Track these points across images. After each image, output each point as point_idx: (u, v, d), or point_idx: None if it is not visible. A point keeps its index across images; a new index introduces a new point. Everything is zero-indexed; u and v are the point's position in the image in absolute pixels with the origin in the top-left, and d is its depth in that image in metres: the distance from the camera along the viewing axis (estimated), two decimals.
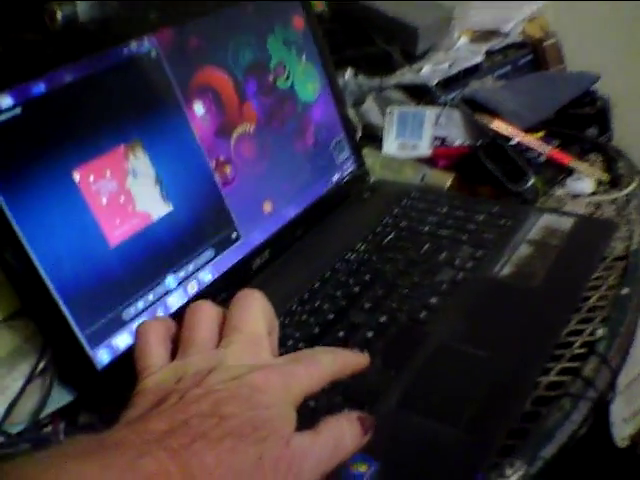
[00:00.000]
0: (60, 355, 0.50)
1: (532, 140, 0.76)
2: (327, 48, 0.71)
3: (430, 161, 0.78)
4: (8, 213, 0.44)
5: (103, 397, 0.49)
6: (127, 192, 0.51)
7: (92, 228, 0.49)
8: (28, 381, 0.47)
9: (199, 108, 0.57)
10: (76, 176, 0.48)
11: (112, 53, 0.51)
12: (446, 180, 0.74)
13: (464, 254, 0.60)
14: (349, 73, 0.86)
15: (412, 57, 0.86)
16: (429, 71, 0.84)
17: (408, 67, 0.85)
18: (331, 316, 0.54)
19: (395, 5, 0.87)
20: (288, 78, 0.67)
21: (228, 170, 0.60)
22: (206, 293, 0.57)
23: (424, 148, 0.79)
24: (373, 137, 0.82)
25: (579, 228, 0.63)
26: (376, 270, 0.59)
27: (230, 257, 0.60)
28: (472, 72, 0.86)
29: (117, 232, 0.50)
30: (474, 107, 0.78)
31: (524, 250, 0.60)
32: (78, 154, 0.48)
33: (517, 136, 0.75)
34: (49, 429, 0.47)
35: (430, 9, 0.86)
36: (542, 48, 0.95)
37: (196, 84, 0.57)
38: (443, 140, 0.80)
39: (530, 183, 0.70)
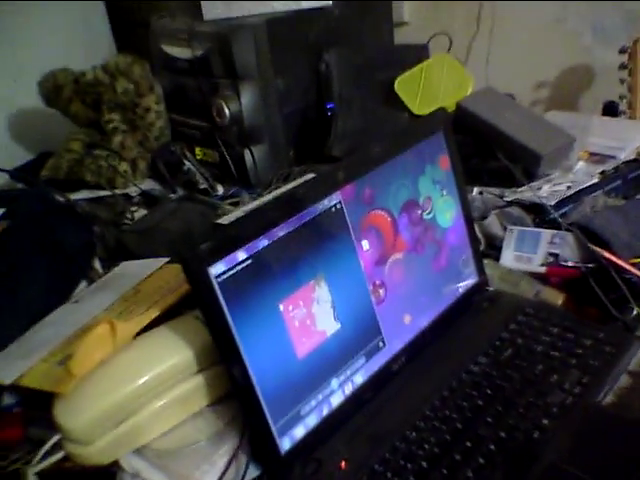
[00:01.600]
0: (254, 439, 0.65)
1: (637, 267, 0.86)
2: (464, 181, 0.84)
3: (543, 277, 0.89)
4: (236, 335, 0.59)
5: (283, 475, 0.64)
6: (312, 315, 0.66)
7: (287, 345, 0.64)
8: (232, 458, 0.63)
9: (366, 244, 0.72)
10: (280, 306, 0.63)
11: (310, 210, 0.66)
12: (558, 299, 0.85)
13: (572, 378, 0.71)
14: (475, 191, 0.99)
15: (533, 176, 0.98)
16: (548, 192, 0.95)
17: (528, 186, 0.97)
18: (459, 425, 0.67)
19: (519, 128, 0.99)
20: (432, 210, 0.81)
21: (381, 292, 0.74)
22: (357, 393, 0.71)
23: (537, 263, 0.91)
24: (492, 246, 0.95)
25: None
26: (496, 386, 0.71)
27: (376, 362, 0.73)
28: (586, 191, 0.97)
29: (303, 347, 0.65)
30: (588, 233, 0.89)
31: (624, 380, 0.71)
32: (283, 289, 0.63)
33: (626, 265, 0.85)
34: None
35: (553, 135, 0.98)
36: None
37: (365, 225, 0.72)
38: (556, 257, 0.91)
39: (634, 313, 0.80)
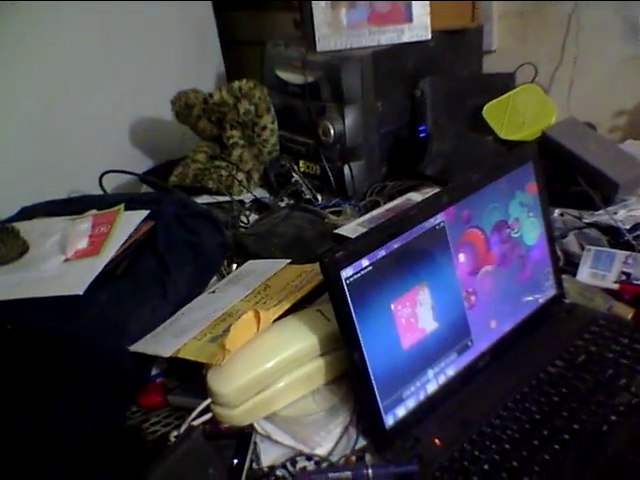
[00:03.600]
0: (364, 414, 0.79)
1: None
2: (548, 205, 0.95)
3: (616, 294, 0.99)
4: (358, 326, 0.73)
5: (386, 446, 0.77)
6: (416, 315, 0.80)
7: (395, 338, 0.77)
8: (345, 429, 0.77)
9: (462, 257, 0.85)
10: (392, 306, 0.77)
11: (419, 227, 0.80)
12: (628, 313, 0.95)
13: (639, 382, 0.82)
14: (557, 212, 1.10)
15: (610, 201, 1.08)
16: (623, 216, 1.05)
17: (605, 210, 1.07)
18: (537, 416, 0.79)
19: (599, 156, 1.09)
20: (519, 230, 0.93)
21: (473, 298, 0.87)
22: (449, 383, 0.84)
23: (611, 280, 1.01)
24: (570, 263, 1.05)
25: None
26: (571, 385, 0.83)
27: (465, 358, 0.86)
28: None
29: (407, 341, 0.79)
30: None
31: None
32: (394, 292, 0.77)
33: None
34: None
35: (630, 164, 1.08)
36: None
37: (463, 241, 0.85)
38: (628, 275, 1.01)
39: None
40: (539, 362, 0.88)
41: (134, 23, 1.62)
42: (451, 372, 0.85)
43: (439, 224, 0.82)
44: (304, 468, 0.75)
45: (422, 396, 0.81)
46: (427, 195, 1.11)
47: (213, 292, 0.96)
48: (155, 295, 0.92)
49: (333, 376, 0.83)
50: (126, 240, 0.96)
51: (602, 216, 1.08)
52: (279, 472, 0.74)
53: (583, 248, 1.06)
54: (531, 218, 0.95)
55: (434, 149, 1.24)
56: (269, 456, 0.77)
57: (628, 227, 1.04)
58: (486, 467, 0.73)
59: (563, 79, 1.46)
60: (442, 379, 0.84)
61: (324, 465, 0.75)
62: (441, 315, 0.83)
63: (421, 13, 1.31)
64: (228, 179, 1.32)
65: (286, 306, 0.82)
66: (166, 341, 0.86)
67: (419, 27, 1.31)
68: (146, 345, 0.86)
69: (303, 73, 1.33)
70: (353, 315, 0.73)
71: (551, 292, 0.98)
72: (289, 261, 0.97)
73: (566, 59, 1.47)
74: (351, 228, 1.03)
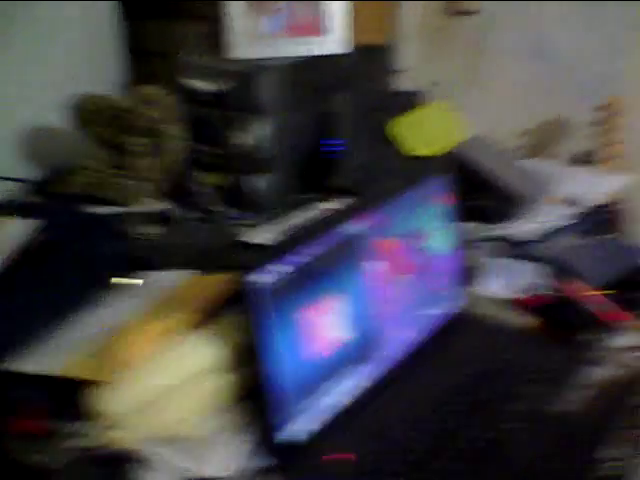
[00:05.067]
0: (270, 432, 0.75)
1: (596, 299, 1.00)
2: (458, 217, 0.97)
3: (522, 304, 1.02)
4: (271, 340, 0.70)
5: (293, 465, 0.74)
6: (328, 325, 0.78)
7: (308, 347, 0.75)
8: (249, 449, 0.74)
9: (375, 266, 0.84)
10: (305, 316, 0.75)
11: (335, 234, 0.78)
12: (532, 323, 0.98)
13: (538, 390, 0.84)
14: (463, 225, 1.12)
15: (512, 215, 1.12)
16: (526, 229, 1.09)
17: (509, 223, 1.11)
18: (451, 427, 0.78)
19: (502, 173, 1.13)
20: (432, 240, 0.93)
21: (384, 309, 0.86)
22: (360, 396, 0.82)
23: (516, 291, 1.04)
24: (476, 275, 1.07)
25: (626, 379, 0.86)
26: (481, 396, 0.83)
27: (375, 370, 0.85)
28: (558, 230, 1.12)
29: (319, 351, 0.77)
30: (561, 267, 1.03)
31: (584, 393, 0.83)
32: (311, 299, 0.75)
33: (587, 294, 0.99)
34: None
35: (532, 180, 1.12)
36: (610, 216, 1.20)
37: (376, 250, 0.84)
38: (533, 287, 1.04)
39: (592, 335, 0.94)
40: (448, 373, 0.89)
41: (30, 20, 1.52)
42: (362, 384, 0.83)
43: (354, 232, 0.81)
44: None
45: (332, 410, 0.79)
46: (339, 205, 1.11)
47: (106, 305, 0.90)
48: (40, 306, 0.86)
49: (238, 394, 0.79)
50: (11, 249, 0.89)
51: (506, 229, 1.11)
52: None
53: (488, 260, 1.09)
54: (441, 229, 0.96)
55: (350, 162, 1.24)
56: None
57: (531, 240, 1.08)
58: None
59: (470, 98, 1.51)
60: (353, 391, 0.82)
61: None
62: (353, 325, 0.81)
63: (341, 26, 1.32)
64: (129, 188, 1.27)
65: (190, 320, 0.78)
66: (53, 357, 0.79)
67: (338, 39, 1.32)
68: (26, 362, 0.79)
69: (216, 82, 1.30)
70: (266, 325, 0.70)
71: (458, 303, 1.00)
72: (194, 272, 0.93)
73: (474, 79, 1.52)
74: (262, 237, 1.00)
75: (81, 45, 1.69)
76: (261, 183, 1.29)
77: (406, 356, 0.90)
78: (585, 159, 1.31)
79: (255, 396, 0.74)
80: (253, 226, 1.17)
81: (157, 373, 0.72)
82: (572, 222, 1.13)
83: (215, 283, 0.86)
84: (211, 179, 1.33)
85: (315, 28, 1.33)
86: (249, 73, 1.26)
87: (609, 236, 1.15)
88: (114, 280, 0.93)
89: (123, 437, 0.71)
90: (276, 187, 1.31)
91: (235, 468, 0.72)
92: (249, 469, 0.73)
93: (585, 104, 1.39)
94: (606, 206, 1.17)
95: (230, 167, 1.31)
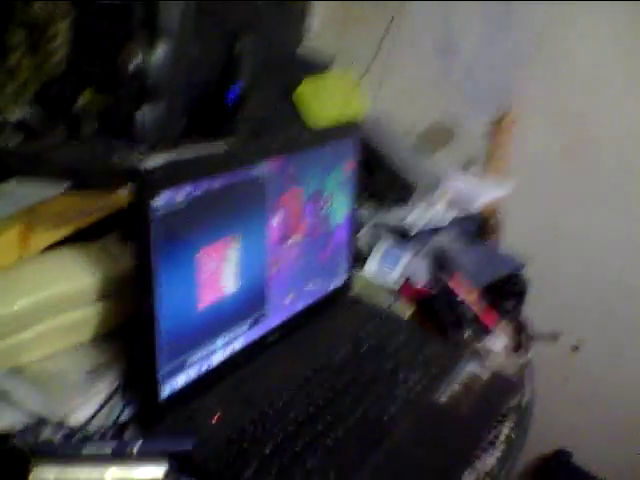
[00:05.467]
0: (135, 380, 0.66)
1: (472, 298, 1.02)
2: (357, 189, 0.93)
3: (398, 293, 1.01)
4: (155, 270, 0.61)
5: (157, 420, 0.65)
6: (220, 271, 0.69)
7: (193, 293, 0.66)
8: (110, 396, 0.63)
9: (276, 220, 0.77)
10: (198, 255, 0.66)
11: (243, 171, 0.70)
12: (407, 311, 0.97)
13: (416, 378, 0.82)
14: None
15: (403, 202, 1.11)
16: (412, 220, 1.08)
17: (398, 210, 1.09)
18: (321, 402, 0.73)
19: (400, 159, 1.11)
20: (330, 205, 0.88)
21: (275, 268, 0.79)
22: (235, 356, 0.75)
23: (394, 279, 1.02)
24: (359, 256, 1.04)
25: (493, 379, 0.87)
26: (354, 374, 0.80)
27: (255, 332, 0.78)
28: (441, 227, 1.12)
29: (205, 299, 0.68)
30: (440, 262, 1.03)
31: (455, 386, 0.83)
32: (204, 239, 0.66)
33: (463, 293, 1.00)
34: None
35: (426, 172, 1.11)
36: (488, 222, 1.24)
37: (281, 201, 0.77)
38: (409, 277, 1.03)
39: (466, 334, 0.95)
40: (325, 348, 0.84)
41: None
42: (239, 344, 0.76)
43: (262, 174, 0.73)
44: (50, 440, 0.59)
45: (205, 367, 0.71)
46: None
47: None
48: None
49: (104, 330, 0.68)
50: None
51: (394, 215, 1.09)
52: (16, 441, 0.58)
53: (372, 245, 1.07)
54: (342, 197, 0.91)
55: (247, 110, 1.15)
56: (4, 420, 0.59)
57: (415, 231, 1.07)
58: (267, 451, 0.66)
59: (372, 77, 1.48)
60: (229, 350, 0.75)
61: (77, 437, 0.60)
62: (243, 278, 0.74)
63: None
64: None
65: (65, 232, 0.65)
66: None
67: None
68: None
69: None
70: (153, 254, 0.60)
71: (342, 280, 0.96)
72: (67, 184, 0.79)
73: (380, 59, 1.48)
74: (153, 161, 0.88)
75: None
76: (146, 112, 1.16)
77: (284, 323, 0.84)
78: (471, 165, 1.34)
79: (126, 335, 0.64)
80: (129, 155, 1.03)
81: (17, 288, 0.59)
82: (454, 221, 1.14)
83: (93, 200, 0.73)
84: (88, 97, 1.17)
85: None
86: None
87: (487, 241, 1.18)
88: None
89: None
90: (161, 121, 1.18)
91: (95, 417, 0.62)
92: (110, 419, 0.63)
93: (478, 110, 1.42)
94: (486, 212, 1.20)
95: (113, 87, 1.15)
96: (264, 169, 0.73)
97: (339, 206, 0.90)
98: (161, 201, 0.59)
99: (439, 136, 1.41)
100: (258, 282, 0.77)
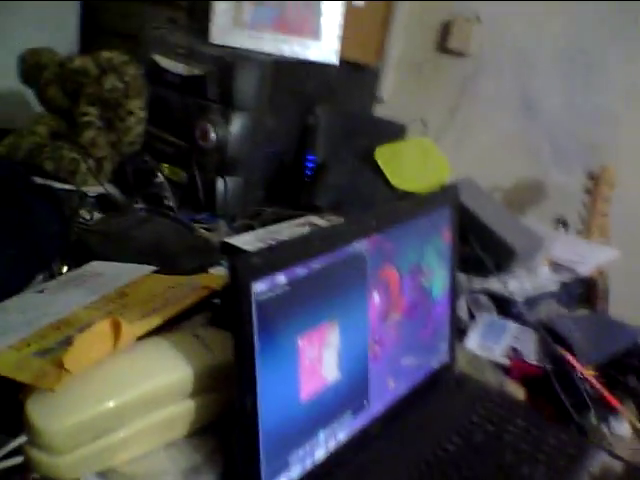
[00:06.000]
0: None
1: (591, 376, 0.91)
2: (457, 258, 0.85)
3: (507, 369, 0.91)
4: (258, 365, 0.54)
5: None
6: (321, 358, 0.63)
7: (295, 383, 0.60)
8: None
9: (376, 297, 0.70)
10: (299, 341, 0.59)
11: (344, 250, 0.64)
12: (520, 393, 0.87)
13: (540, 474, 0.72)
14: None
15: (501, 269, 1.02)
16: (515, 287, 0.99)
17: (497, 278, 1.00)
18: None
19: (497, 222, 1.03)
20: (430, 279, 0.81)
21: (377, 349, 0.72)
22: (339, 450, 0.67)
23: (499, 353, 0.93)
24: (460, 328, 0.96)
25: (627, 472, 0.76)
26: (472, 468, 0.70)
27: (358, 421, 0.70)
28: (547, 295, 1.02)
29: (307, 390, 0.61)
30: (552, 334, 0.93)
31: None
32: (305, 324, 0.60)
33: (582, 370, 0.89)
34: None
35: (526, 235, 1.03)
36: (596, 288, 1.13)
37: (380, 278, 0.70)
38: (515, 350, 0.93)
39: (591, 417, 0.83)
40: (435, 437, 0.75)
41: None
42: (342, 436, 0.68)
43: (362, 250, 0.67)
44: None
45: (309, 464, 0.63)
46: (332, 221, 0.97)
47: (41, 292, 0.70)
48: None
49: (199, 425, 0.62)
50: None
51: (493, 284, 1.00)
52: None
53: (472, 314, 0.98)
54: (441, 269, 0.84)
55: (329, 180, 1.11)
56: None
57: (520, 300, 0.98)
58: None
59: (448, 141, 1.43)
60: (332, 444, 0.67)
61: None
62: (344, 363, 0.66)
63: (331, 33, 1.19)
64: (72, 163, 1.06)
65: (156, 322, 0.60)
66: None
67: (327, 47, 1.19)
68: None
69: (188, 63, 1.14)
70: (256, 345, 0.54)
71: (445, 357, 0.87)
72: (154, 268, 0.75)
73: (454, 122, 1.45)
74: (246, 240, 0.84)
75: (39, 14, 1.51)
76: (225, 185, 1.13)
77: (388, 409, 0.75)
78: (565, 224, 1.25)
79: (222, 430, 0.58)
80: (216, 231, 1.00)
81: (106, 387, 0.53)
82: (559, 288, 1.04)
83: (183, 283, 0.69)
84: (167, 171, 1.16)
85: (305, 30, 1.20)
86: (230, 61, 1.12)
87: (594, 307, 1.08)
88: (58, 265, 0.74)
89: (58, 464, 0.53)
90: (241, 193, 1.16)
91: None
92: None
93: (566, 169, 1.34)
94: (592, 277, 1.10)
95: (191, 161, 1.14)
96: (364, 245, 0.67)
97: (438, 278, 0.83)
98: (263, 286, 0.54)
99: (528, 194, 1.34)
100: (359, 367, 0.70)
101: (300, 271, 0.58)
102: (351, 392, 0.69)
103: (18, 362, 0.54)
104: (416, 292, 0.78)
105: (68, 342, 0.56)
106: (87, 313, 0.63)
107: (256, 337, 0.54)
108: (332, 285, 0.64)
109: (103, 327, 0.55)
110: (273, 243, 0.72)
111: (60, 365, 0.52)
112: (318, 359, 0.62)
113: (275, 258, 0.56)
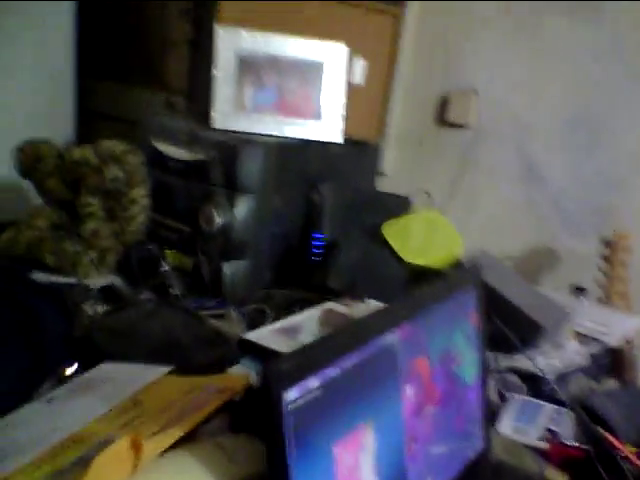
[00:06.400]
0: None
1: (632, 454, 0.85)
2: (486, 340, 0.81)
3: (542, 452, 0.85)
4: (291, 474, 0.49)
5: None
6: (358, 466, 0.57)
7: None
8: None
9: (409, 390, 0.65)
10: (335, 449, 0.54)
11: (373, 343, 0.60)
12: (561, 478, 0.81)
13: None
14: None
15: (527, 346, 0.97)
16: (543, 364, 0.94)
17: (523, 354, 0.96)
18: None
19: (519, 296, 1.00)
20: (460, 364, 0.76)
21: (414, 447, 0.67)
22: None
23: (534, 436, 0.87)
24: (491, 412, 0.90)
25: None
26: None
27: None
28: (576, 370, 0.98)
29: None
30: (585, 410, 0.88)
31: None
32: (340, 429, 0.55)
33: (624, 449, 0.84)
34: None
35: (551, 309, 0.99)
36: (623, 357, 1.08)
37: (412, 369, 0.66)
38: (553, 433, 0.88)
39: None
40: None
41: None
42: None
43: (393, 343, 0.63)
44: None
45: None
46: (351, 307, 0.93)
47: (49, 401, 0.65)
48: None
49: None
50: None
51: (520, 361, 0.96)
52: None
53: (501, 395, 0.93)
54: (470, 352, 0.79)
55: (341, 260, 1.07)
56: None
57: (552, 377, 0.93)
58: None
59: (453, 212, 1.41)
60: None
61: None
62: (382, 467, 0.61)
63: (333, 113, 1.19)
64: (74, 256, 1.03)
65: (177, 434, 0.55)
66: None
67: (330, 127, 1.18)
68: None
69: (190, 148, 1.12)
70: (289, 457, 0.49)
71: (480, 444, 0.81)
72: (167, 369, 0.70)
73: (458, 192, 1.43)
74: (264, 335, 0.79)
75: (32, 96, 1.51)
76: (232, 270, 1.10)
77: None
78: (582, 291, 1.21)
79: None
80: (226, 319, 0.96)
81: None
82: (587, 361, 1.00)
83: (200, 386, 0.64)
84: (171, 259, 1.12)
85: (306, 111, 1.20)
86: (233, 145, 1.10)
87: (626, 380, 1.03)
88: (63, 369, 0.69)
89: None
90: (249, 277, 1.12)
91: None
92: None
93: (577, 234, 1.32)
94: (620, 348, 1.06)
95: (196, 247, 1.11)
96: (394, 336, 0.63)
97: (468, 362, 0.78)
98: (295, 393, 0.49)
99: (540, 262, 1.31)
100: (397, 469, 0.64)
101: (332, 372, 0.54)
102: None
103: None
104: (448, 380, 0.74)
105: (83, 463, 0.51)
106: (101, 427, 0.58)
107: (289, 449, 0.49)
108: (364, 383, 0.59)
109: (122, 446, 0.50)
110: (299, 341, 0.67)
111: None
112: (355, 466, 0.57)
113: (306, 361, 0.52)
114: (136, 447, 0.50)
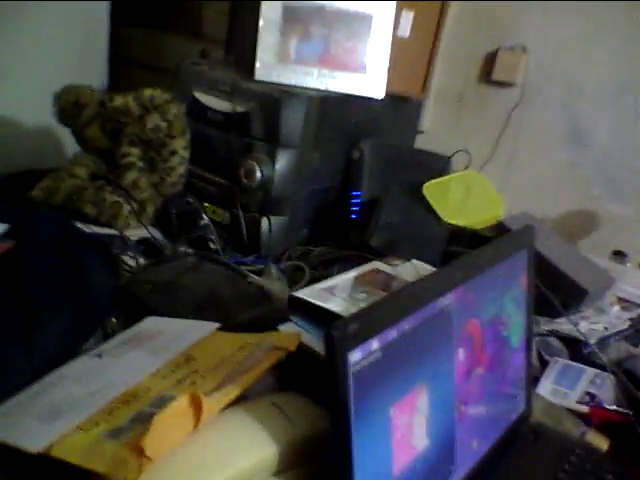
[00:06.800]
0: None
1: None
2: (533, 302, 0.80)
3: (586, 417, 0.85)
4: (352, 434, 0.49)
5: None
6: (412, 427, 0.57)
7: (388, 456, 0.54)
8: None
9: (461, 353, 0.65)
10: (391, 411, 0.54)
11: (430, 306, 0.59)
12: (603, 444, 0.81)
13: None
14: None
15: (570, 310, 0.96)
16: (585, 328, 0.93)
17: (565, 318, 0.95)
18: None
19: (563, 259, 0.98)
20: (508, 327, 0.75)
21: (463, 409, 0.66)
22: None
23: (574, 399, 0.87)
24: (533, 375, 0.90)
25: None
26: None
27: None
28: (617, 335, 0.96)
29: (399, 462, 0.56)
30: (628, 375, 0.87)
31: None
32: (396, 392, 0.55)
33: None
34: None
35: (595, 273, 0.97)
36: None
37: (464, 332, 0.65)
38: (592, 397, 0.87)
39: None
40: None
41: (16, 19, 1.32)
42: None
43: (448, 306, 0.62)
44: None
45: None
46: (398, 266, 0.92)
47: (99, 356, 0.65)
48: (11, 348, 0.61)
49: None
50: None
51: (562, 325, 0.95)
52: None
53: (542, 358, 0.92)
54: (518, 317, 0.78)
55: (383, 219, 1.06)
56: None
57: (594, 342, 0.92)
58: None
59: (492, 173, 1.38)
60: None
61: None
62: (433, 428, 0.61)
63: (378, 67, 1.15)
64: (114, 206, 1.03)
65: (234, 392, 0.55)
66: (28, 426, 0.54)
67: (374, 81, 1.15)
68: None
69: (231, 100, 1.10)
70: (352, 419, 0.49)
71: (521, 408, 0.81)
72: (216, 325, 0.70)
73: (497, 154, 1.40)
74: (313, 293, 0.79)
75: (66, 46, 1.49)
76: (270, 225, 1.09)
77: (472, 472, 0.70)
78: (622, 255, 1.19)
79: None
80: (266, 275, 0.95)
81: (191, 474, 0.48)
82: (629, 326, 0.98)
83: (251, 343, 0.63)
84: (209, 212, 1.12)
85: (352, 64, 1.16)
86: (276, 97, 1.08)
87: None
88: (111, 323, 0.69)
89: None
90: (286, 233, 1.11)
91: None
92: None
93: (619, 199, 1.29)
94: None
95: (235, 201, 1.10)
96: (449, 299, 0.62)
97: (516, 326, 0.78)
98: (358, 355, 0.49)
99: (580, 226, 1.28)
100: (447, 430, 0.64)
101: (391, 334, 0.53)
102: (439, 459, 0.63)
103: (89, 447, 0.49)
104: (496, 343, 0.73)
105: (141, 420, 0.51)
106: (155, 383, 0.58)
107: (352, 411, 0.49)
108: (420, 345, 0.58)
109: (182, 404, 0.50)
110: (349, 301, 0.66)
111: (139, 451, 0.46)
112: (409, 428, 0.57)
113: (369, 322, 0.51)
114: (196, 405, 0.51)
